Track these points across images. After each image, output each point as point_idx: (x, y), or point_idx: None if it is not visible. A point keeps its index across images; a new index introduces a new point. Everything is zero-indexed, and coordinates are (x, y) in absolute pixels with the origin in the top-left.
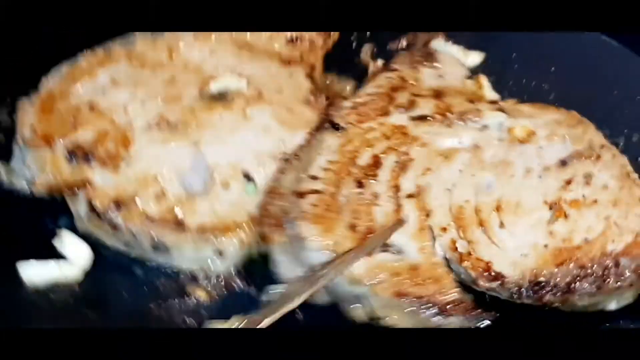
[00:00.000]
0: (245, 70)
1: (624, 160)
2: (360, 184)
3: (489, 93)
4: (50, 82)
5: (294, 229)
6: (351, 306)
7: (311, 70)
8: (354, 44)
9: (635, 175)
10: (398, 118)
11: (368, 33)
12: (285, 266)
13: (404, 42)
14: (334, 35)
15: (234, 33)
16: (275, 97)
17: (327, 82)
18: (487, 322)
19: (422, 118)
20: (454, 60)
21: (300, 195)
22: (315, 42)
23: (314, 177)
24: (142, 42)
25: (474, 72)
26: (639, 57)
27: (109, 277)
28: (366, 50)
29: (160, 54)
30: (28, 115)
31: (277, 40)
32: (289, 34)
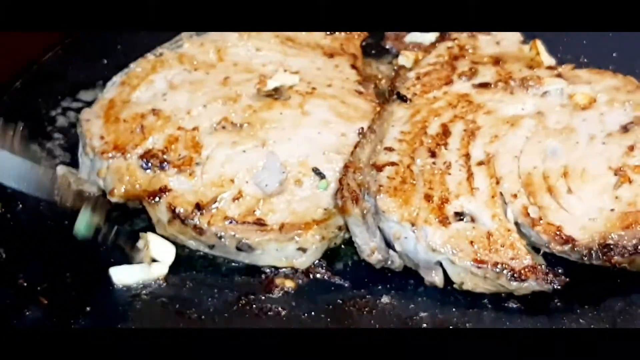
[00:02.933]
0: (293, 65)
1: None
2: (433, 154)
3: (546, 58)
4: (109, 91)
5: (372, 201)
6: (428, 273)
7: (354, 60)
8: None
9: None
10: (461, 86)
11: None
12: (363, 238)
13: None
14: None
15: None
16: (328, 91)
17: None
18: (559, 286)
19: (485, 85)
20: None
21: (378, 168)
22: (352, 32)
23: (390, 149)
24: (189, 44)
25: (529, 37)
26: None
27: (194, 276)
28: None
29: (209, 55)
30: (94, 126)
31: (316, 33)
32: None
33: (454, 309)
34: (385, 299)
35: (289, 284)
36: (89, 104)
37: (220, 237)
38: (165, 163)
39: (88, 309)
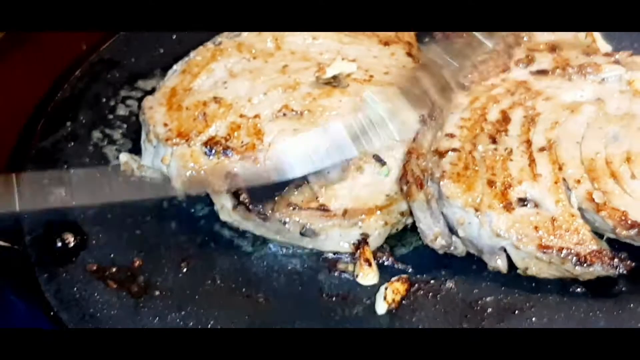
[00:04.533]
0: (349, 53)
1: None
2: (493, 140)
3: (603, 45)
4: (170, 79)
5: (436, 187)
6: (492, 258)
7: (409, 48)
8: None
9: None
10: (519, 73)
11: None
12: (427, 223)
13: None
14: None
15: None
16: (385, 78)
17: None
18: (624, 271)
19: (542, 72)
20: None
21: (440, 154)
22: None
23: (451, 135)
24: (247, 32)
25: None
26: None
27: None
28: None
29: (266, 43)
30: (157, 113)
31: None
32: None
33: (518, 294)
34: (449, 284)
35: (352, 269)
36: (148, 92)
37: (285, 223)
38: (229, 150)
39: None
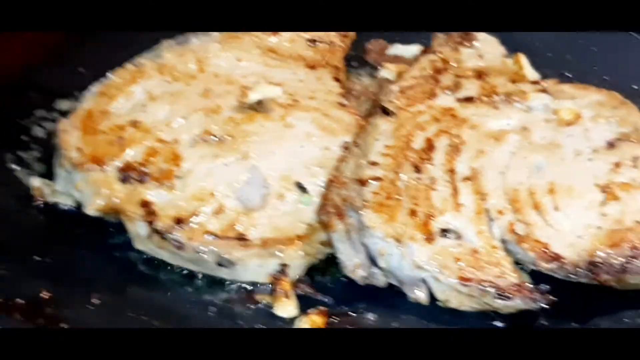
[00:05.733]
0: (275, 76)
1: None
2: (417, 169)
3: (530, 72)
4: (87, 101)
5: (357, 217)
6: (413, 290)
7: (337, 72)
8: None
9: None
10: (445, 100)
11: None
12: (347, 253)
13: None
14: (352, 35)
15: (256, 38)
16: (310, 103)
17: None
18: (545, 305)
19: (469, 99)
20: (492, 39)
21: (362, 183)
22: (335, 43)
23: (374, 163)
24: (169, 54)
25: (512, 50)
26: None
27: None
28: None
29: (189, 65)
30: (71, 137)
31: (298, 43)
32: (308, 34)
33: (438, 327)
34: (369, 316)
35: (270, 300)
36: (66, 114)
37: (201, 253)
38: (145, 176)
39: None
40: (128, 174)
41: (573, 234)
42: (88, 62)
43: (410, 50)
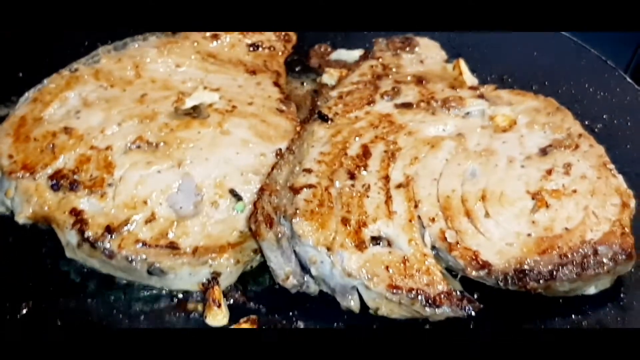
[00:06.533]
0: (213, 82)
1: (600, 150)
2: (352, 176)
3: (469, 78)
4: (21, 108)
5: (288, 225)
6: (344, 298)
7: (277, 77)
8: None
9: (612, 166)
10: (383, 106)
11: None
12: (278, 262)
13: None
14: (293, 38)
15: (196, 43)
16: (248, 109)
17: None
18: (472, 312)
19: (407, 105)
20: (433, 44)
21: (295, 190)
22: (276, 48)
23: (308, 170)
24: (106, 59)
25: (453, 56)
26: None
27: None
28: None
29: (126, 71)
30: (3, 144)
31: (239, 48)
32: (249, 39)
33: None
34: (300, 324)
35: (202, 309)
36: (2, 120)
37: (131, 261)
38: (76, 184)
39: None
40: (59, 181)
41: (503, 241)
42: (27, 67)
43: (353, 55)
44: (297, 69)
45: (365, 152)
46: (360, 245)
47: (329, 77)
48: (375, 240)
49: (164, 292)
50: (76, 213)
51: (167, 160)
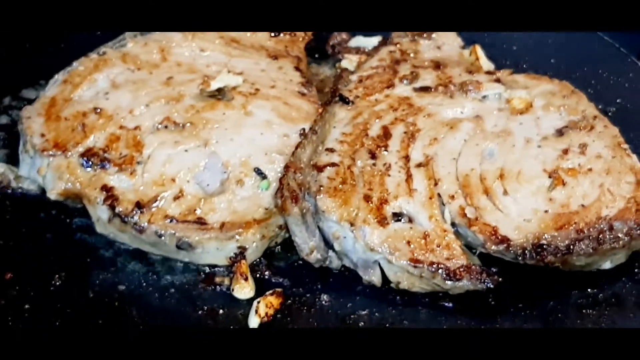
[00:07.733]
0: (237, 66)
1: (615, 131)
2: (373, 155)
3: (485, 63)
4: (51, 89)
5: (312, 201)
6: (366, 272)
7: (298, 62)
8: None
9: (626, 146)
10: (402, 90)
11: None
12: (302, 237)
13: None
14: None
15: None
16: (271, 92)
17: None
18: (491, 285)
19: (425, 89)
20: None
21: (319, 168)
22: (296, 34)
23: (331, 150)
24: (132, 43)
25: (469, 43)
26: None
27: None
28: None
29: (152, 55)
30: (35, 123)
31: (261, 34)
32: None
33: (391, 308)
34: (324, 297)
35: (228, 283)
36: (32, 102)
37: (161, 236)
38: (106, 162)
39: None
40: (90, 159)
41: (521, 217)
42: (53, 52)
43: (372, 42)
44: (316, 55)
45: (386, 133)
46: (382, 221)
47: (348, 62)
48: (397, 216)
49: (192, 266)
50: (107, 189)
51: (194, 139)
